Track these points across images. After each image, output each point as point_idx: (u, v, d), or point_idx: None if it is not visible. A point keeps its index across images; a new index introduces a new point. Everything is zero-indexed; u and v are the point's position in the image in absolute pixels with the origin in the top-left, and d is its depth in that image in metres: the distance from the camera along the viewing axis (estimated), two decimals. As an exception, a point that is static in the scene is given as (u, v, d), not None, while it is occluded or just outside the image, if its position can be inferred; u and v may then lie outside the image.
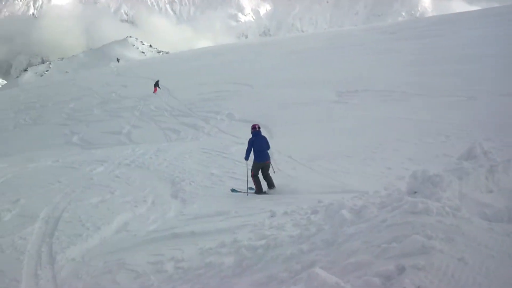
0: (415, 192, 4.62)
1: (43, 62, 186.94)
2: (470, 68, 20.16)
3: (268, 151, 9.91)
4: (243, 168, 10.25)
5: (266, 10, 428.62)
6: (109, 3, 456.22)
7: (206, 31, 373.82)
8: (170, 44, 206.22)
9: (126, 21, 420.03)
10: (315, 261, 3.93)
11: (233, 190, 9.64)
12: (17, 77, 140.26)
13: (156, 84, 30.94)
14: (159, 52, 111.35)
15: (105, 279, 5.81)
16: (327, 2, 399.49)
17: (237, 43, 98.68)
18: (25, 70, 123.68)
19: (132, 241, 6.98)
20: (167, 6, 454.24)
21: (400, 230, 3.56)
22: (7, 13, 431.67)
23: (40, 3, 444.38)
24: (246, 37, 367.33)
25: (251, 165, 9.79)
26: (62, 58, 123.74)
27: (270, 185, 9.62)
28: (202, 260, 5.45)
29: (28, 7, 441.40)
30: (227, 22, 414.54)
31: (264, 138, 10.06)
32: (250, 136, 9.99)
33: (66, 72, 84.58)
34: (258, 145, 9.78)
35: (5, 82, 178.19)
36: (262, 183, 9.65)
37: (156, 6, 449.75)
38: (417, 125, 13.24)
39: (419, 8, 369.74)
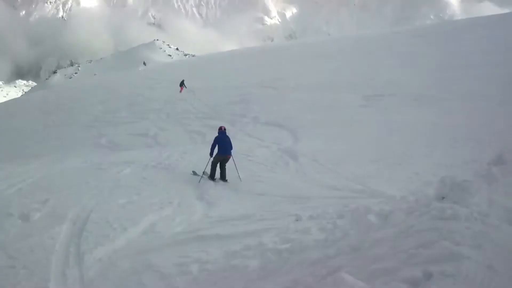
0: (443, 198, 4.55)
1: (72, 64, 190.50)
2: (501, 72, 19.77)
3: (232, 150, 11.60)
4: (268, 171, 10.39)
5: (292, 13, 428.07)
6: (137, 6, 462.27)
7: (232, 34, 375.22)
8: (197, 47, 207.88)
9: (154, 24, 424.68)
10: (341, 266, 3.90)
11: (193, 173, 11.68)
12: (46, 79, 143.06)
13: (182, 84, 32.05)
14: (185, 55, 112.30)
15: (131, 279, 5.87)
16: (354, 4, 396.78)
17: (263, 46, 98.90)
18: (54, 72, 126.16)
19: (158, 242, 7.03)
20: (194, 9, 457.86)
21: (427, 236, 3.51)
22: (37, 16, 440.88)
23: (70, 6, 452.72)
24: (272, 40, 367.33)
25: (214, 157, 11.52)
26: (91, 60, 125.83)
27: (223, 176, 11.34)
28: (227, 262, 5.47)
29: (58, 10, 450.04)
30: (253, 25, 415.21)
31: (228, 137, 11.86)
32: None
33: (94, 74, 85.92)
34: (222, 142, 11.62)
35: (34, 84, 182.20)
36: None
37: (183, 10, 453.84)
38: (446, 130, 13.04)
39: (447, 11, 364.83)
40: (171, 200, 9.35)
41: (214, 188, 10.09)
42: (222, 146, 11.56)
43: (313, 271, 4.12)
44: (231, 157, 11.51)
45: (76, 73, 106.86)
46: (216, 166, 11.46)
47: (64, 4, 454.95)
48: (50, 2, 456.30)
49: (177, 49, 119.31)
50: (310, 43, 48.71)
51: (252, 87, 26.42)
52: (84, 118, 27.67)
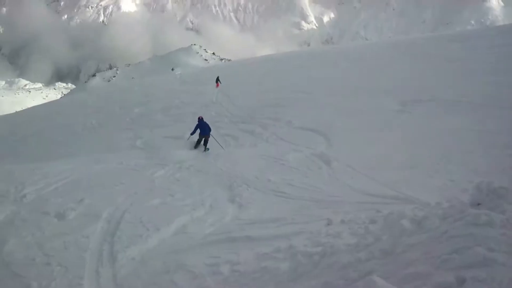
0: (479, 204, 4.44)
1: (110, 68, 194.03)
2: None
3: (210, 132, 16.88)
4: (300, 175, 10.45)
5: (330, 18, 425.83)
6: (175, 11, 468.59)
7: (269, 39, 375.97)
8: (233, 51, 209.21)
9: (191, 29, 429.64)
10: (372, 270, 3.86)
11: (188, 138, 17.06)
12: (85, 82, 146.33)
13: (217, 80, 34.59)
14: (221, 59, 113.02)
15: (163, 279, 5.94)
16: (393, 10, 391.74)
17: (299, 50, 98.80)
18: (93, 75, 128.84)
19: (190, 243, 7.10)
20: (231, 14, 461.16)
21: (461, 241, 3.43)
22: (78, 21, 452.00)
23: (110, 11, 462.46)
24: (309, 45, 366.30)
25: (198, 136, 16.94)
26: (129, 64, 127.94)
27: (206, 147, 16.54)
28: (258, 264, 5.47)
29: (99, 15, 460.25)
30: (290, 30, 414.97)
31: (206, 123, 17.00)
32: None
33: (132, 78, 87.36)
34: (202, 127, 16.84)
35: (74, 86, 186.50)
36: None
37: (220, 15, 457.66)
38: (484, 137, 12.71)
39: (489, 16, 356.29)
40: (203, 202, 9.42)
41: (247, 191, 10.11)
42: (202, 129, 16.83)
43: (344, 275, 4.08)
44: (211, 135, 16.93)
45: (114, 76, 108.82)
46: (200, 142, 16.98)
47: (105, 9, 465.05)
48: (92, 7, 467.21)
49: (213, 53, 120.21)
50: (346, 47, 48.41)
51: (286, 91, 26.38)
52: (121, 121, 28.14)
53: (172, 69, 68.86)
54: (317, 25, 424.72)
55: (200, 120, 17.21)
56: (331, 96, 23.12)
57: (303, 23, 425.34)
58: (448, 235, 3.77)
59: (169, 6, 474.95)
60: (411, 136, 14.56)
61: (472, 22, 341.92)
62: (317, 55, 44.80)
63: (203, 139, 16.85)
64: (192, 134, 17.01)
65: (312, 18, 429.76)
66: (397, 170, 10.80)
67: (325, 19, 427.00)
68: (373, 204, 8.14)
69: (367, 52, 36.78)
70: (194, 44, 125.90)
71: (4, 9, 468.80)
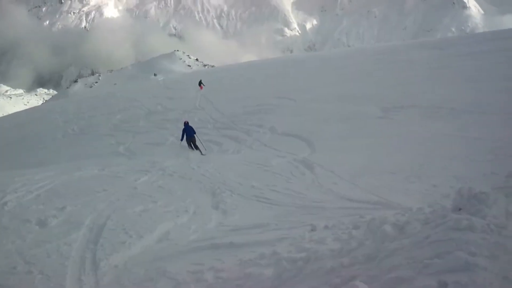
0: (460, 209, 4.50)
1: (93, 73, 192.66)
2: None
3: (195, 134, 18.37)
4: (284, 181, 10.56)
5: (312, 25, 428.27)
6: (158, 17, 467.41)
7: (252, 45, 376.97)
8: (216, 58, 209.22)
9: (174, 35, 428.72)
10: (355, 275, 3.88)
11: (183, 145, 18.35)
12: (67, 88, 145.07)
13: (200, 83, 36.92)
14: (204, 65, 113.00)
15: (146, 286, 5.90)
16: (375, 17, 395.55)
17: (281, 57, 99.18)
18: (75, 81, 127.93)
19: (173, 250, 7.06)
20: (215, 20, 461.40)
21: (443, 246, 3.47)
22: (60, 26, 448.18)
23: (92, 16, 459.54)
24: (291, 51, 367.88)
25: (185, 140, 18.49)
26: (111, 70, 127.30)
27: (199, 151, 17.87)
28: (242, 270, 5.46)
29: (81, 20, 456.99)
30: (273, 37, 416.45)
31: (191, 127, 18.65)
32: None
33: (115, 84, 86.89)
34: (188, 131, 18.42)
35: (55, 92, 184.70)
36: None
37: (204, 21, 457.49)
38: (465, 143, 12.88)
39: (469, 24, 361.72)
40: (187, 209, 9.38)
41: (231, 197, 10.10)
42: (188, 132, 18.42)
43: (328, 280, 4.10)
44: (196, 137, 18.40)
45: (96, 82, 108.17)
46: (190, 144, 18.34)
47: (87, 15, 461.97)
48: (74, 13, 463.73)
49: (196, 59, 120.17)
50: (329, 54, 48.79)
51: (269, 97, 26.47)
52: (103, 127, 27.99)
53: (155, 74, 68.64)
54: (300, 32, 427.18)
55: (186, 124, 18.80)
56: (314, 102, 23.25)
57: (286, 29, 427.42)
58: (430, 240, 3.81)
59: (152, 12, 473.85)
60: (393, 142, 14.68)
61: (453, 29, 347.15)
62: (300, 62, 45.05)
63: (191, 142, 18.45)
64: (182, 140, 18.62)
65: (295, 25, 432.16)
66: (379, 175, 10.88)
67: (308, 26, 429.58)
68: (356, 210, 8.19)
69: (350, 59, 37.16)
70: (177, 50, 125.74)
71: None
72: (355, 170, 11.60)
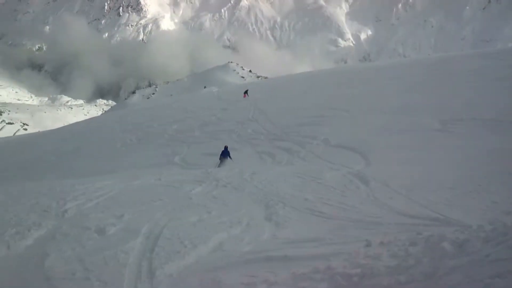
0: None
1: (149, 85, 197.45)
2: None
3: (229, 156, 20.31)
4: (338, 194, 10.46)
5: (367, 35, 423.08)
6: (213, 29, 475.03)
7: (305, 56, 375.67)
8: (269, 69, 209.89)
9: (228, 47, 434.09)
10: (413, 294, 3.79)
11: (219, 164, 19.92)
12: (125, 99, 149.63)
13: (246, 92, 39.10)
14: (258, 77, 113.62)
15: (201, 296, 5.96)
16: (432, 27, 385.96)
17: (335, 68, 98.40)
18: (133, 92, 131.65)
19: (226, 261, 7.10)
20: (268, 32, 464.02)
21: (504, 265, 3.35)
22: (119, 39, 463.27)
23: (150, 29, 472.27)
24: (345, 62, 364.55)
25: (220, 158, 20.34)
26: (168, 81, 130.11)
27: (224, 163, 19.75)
28: (295, 284, 5.43)
29: (138, 33, 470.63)
30: (327, 47, 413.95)
31: (227, 151, 20.46)
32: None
33: (171, 95, 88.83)
34: (223, 153, 20.20)
35: (114, 103, 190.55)
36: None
37: (257, 32, 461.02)
38: (528, 157, 12.36)
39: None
40: (240, 220, 9.42)
41: (283, 210, 10.07)
42: (223, 154, 20.31)
43: (383, 298, 4.02)
44: (229, 157, 20.28)
45: (153, 93, 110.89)
46: (222, 162, 20.00)
47: (144, 28, 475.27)
48: (132, 26, 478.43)
49: (250, 71, 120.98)
50: (384, 65, 48.06)
51: (323, 109, 26.33)
52: (159, 137, 28.62)
53: (205, 87, 69.49)
54: (354, 42, 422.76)
55: (226, 148, 20.82)
56: (369, 114, 22.93)
57: (339, 40, 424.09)
58: (491, 258, 3.69)
59: (207, 24, 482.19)
60: (451, 156, 14.28)
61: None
62: (354, 73, 44.60)
63: (222, 161, 20.48)
64: (220, 158, 20.53)
65: (349, 35, 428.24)
66: (437, 191, 10.58)
67: (362, 36, 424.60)
68: (413, 226, 7.99)
69: (406, 69, 36.42)
70: (231, 62, 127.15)
71: (48, 27, 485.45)
72: (412, 184, 11.34)
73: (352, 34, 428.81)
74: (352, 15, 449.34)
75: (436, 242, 5.31)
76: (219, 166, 19.70)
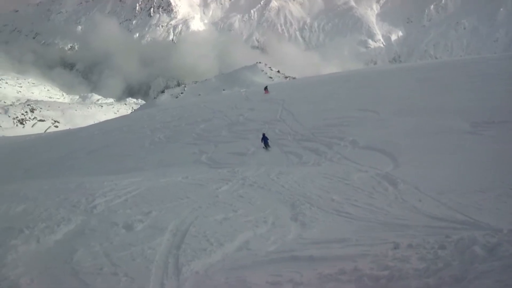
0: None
1: (178, 85, 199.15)
2: None
3: (267, 143, 22.09)
4: (365, 196, 10.39)
5: (398, 36, 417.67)
6: (242, 30, 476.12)
7: (334, 57, 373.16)
8: (298, 69, 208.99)
9: (257, 47, 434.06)
10: (442, 297, 3.70)
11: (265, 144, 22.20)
12: (154, 98, 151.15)
13: (266, 88, 42.70)
14: (286, 77, 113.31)
15: (226, 294, 5.96)
16: (464, 28, 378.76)
17: (365, 68, 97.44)
18: (162, 92, 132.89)
19: (252, 259, 7.09)
20: (297, 33, 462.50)
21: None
22: (149, 39, 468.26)
23: (180, 29, 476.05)
24: (375, 63, 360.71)
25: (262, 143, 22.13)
26: (196, 81, 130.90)
27: (267, 148, 21.79)
28: (321, 285, 5.38)
29: (169, 34, 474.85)
30: (356, 48, 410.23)
31: (266, 137, 22.26)
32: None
33: (199, 94, 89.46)
34: (264, 139, 21.98)
35: (143, 102, 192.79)
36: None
37: (286, 33, 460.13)
38: None
39: None
40: (266, 219, 9.41)
41: (310, 210, 10.02)
42: (264, 139, 22.00)
43: (411, 301, 3.94)
44: (267, 144, 21.98)
45: (182, 93, 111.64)
46: (264, 146, 21.86)
47: (174, 28, 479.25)
48: (162, 26, 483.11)
49: (278, 71, 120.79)
50: (415, 66, 47.38)
51: (351, 110, 26.09)
52: (187, 136, 28.80)
53: (224, 90, 69.37)
54: (384, 43, 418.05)
55: (264, 135, 22.54)
56: (398, 115, 22.62)
57: (369, 41, 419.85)
58: (524, 264, 3.58)
59: (236, 25, 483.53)
60: (482, 159, 13.99)
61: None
62: (384, 74, 44.09)
63: (265, 144, 22.38)
64: (261, 142, 22.38)
65: (379, 37, 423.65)
66: (467, 194, 10.38)
67: (393, 37, 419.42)
68: (442, 229, 7.86)
69: (437, 71, 35.82)
70: (259, 62, 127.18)
71: (80, 27, 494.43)
72: (442, 187, 11.15)
73: (383, 35, 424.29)
74: (383, 16, 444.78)
75: (466, 245, 5.20)
76: (264, 147, 22.14)
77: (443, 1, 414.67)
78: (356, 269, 5.51)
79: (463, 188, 10.85)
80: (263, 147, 22.18)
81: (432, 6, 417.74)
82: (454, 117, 20.08)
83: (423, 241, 6.53)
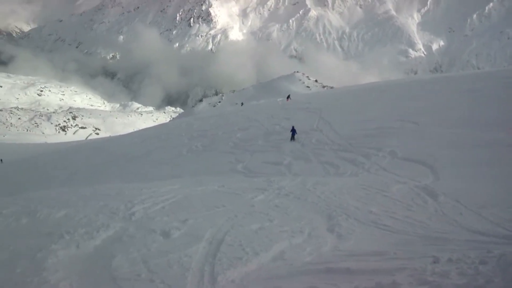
0: None
1: (216, 94, 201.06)
2: None
3: (296, 134, 26.54)
4: (404, 208, 10.21)
5: (439, 46, 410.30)
6: (280, 39, 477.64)
7: (373, 66, 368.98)
8: (336, 79, 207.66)
9: (295, 57, 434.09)
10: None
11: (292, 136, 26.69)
12: (192, 106, 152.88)
13: (288, 97, 50.16)
14: (323, 87, 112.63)
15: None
16: (508, 38, 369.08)
17: (405, 78, 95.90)
18: (200, 100, 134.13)
19: (288, 270, 7.04)
20: (336, 42, 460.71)
21: None
22: (188, 49, 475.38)
23: (218, 39, 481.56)
24: (415, 73, 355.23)
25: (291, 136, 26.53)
26: (234, 90, 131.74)
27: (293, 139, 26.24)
28: (357, 298, 5.29)
29: (207, 43, 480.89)
30: (396, 58, 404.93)
31: (295, 130, 26.62)
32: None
33: (236, 103, 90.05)
34: (293, 131, 26.46)
35: (182, 111, 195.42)
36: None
37: (324, 43, 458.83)
38: None
39: None
40: (302, 230, 9.34)
41: (347, 221, 9.89)
42: (292, 132, 26.47)
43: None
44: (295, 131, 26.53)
45: (219, 102, 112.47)
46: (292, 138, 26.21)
47: (213, 38, 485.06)
48: (201, 36, 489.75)
49: (316, 81, 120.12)
50: (457, 76, 46.36)
51: (390, 120, 25.73)
52: (224, 145, 29.00)
53: (242, 104, 69.44)
54: (425, 53, 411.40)
55: (293, 128, 26.98)
56: (438, 126, 22.15)
57: (410, 50, 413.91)
58: None
59: (275, 34, 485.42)
60: (526, 172, 13.55)
61: None
62: (424, 83, 43.33)
63: (292, 137, 26.61)
64: (291, 132, 26.99)
65: (420, 46, 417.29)
66: (510, 208, 10.06)
67: (434, 46, 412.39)
68: (483, 244, 7.63)
69: (479, 82, 34.94)
70: (297, 71, 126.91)
71: (121, 37, 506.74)
72: (483, 200, 10.83)
73: (424, 45, 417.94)
74: (424, 25, 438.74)
75: (508, 261, 5.03)
76: (291, 140, 26.23)
77: (486, 10, 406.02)
78: (394, 283, 5.40)
79: (505, 202, 10.51)
80: (290, 140, 26.12)
81: (475, 16, 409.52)
82: (496, 129, 19.53)
83: (463, 255, 6.36)
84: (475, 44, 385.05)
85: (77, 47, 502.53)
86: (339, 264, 6.96)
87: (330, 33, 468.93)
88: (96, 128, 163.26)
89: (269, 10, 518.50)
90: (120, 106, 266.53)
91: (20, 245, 8.85)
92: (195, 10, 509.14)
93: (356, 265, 6.78)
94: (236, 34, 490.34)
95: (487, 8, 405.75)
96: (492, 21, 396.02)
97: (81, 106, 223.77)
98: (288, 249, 8.19)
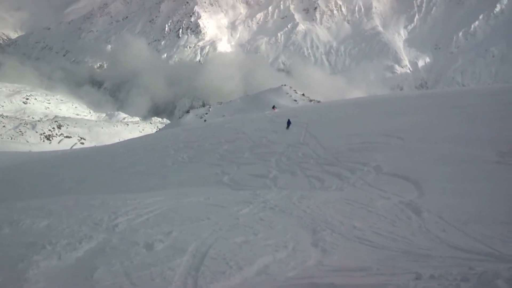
0: None
1: (203, 105, 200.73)
2: None
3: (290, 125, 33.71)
4: (388, 224, 10.24)
5: (425, 63, 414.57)
6: (268, 53, 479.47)
7: (360, 81, 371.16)
8: (322, 93, 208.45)
9: (283, 70, 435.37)
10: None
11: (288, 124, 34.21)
12: (179, 117, 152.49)
13: (273, 107, 53.59)
14: (310, 100, 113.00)
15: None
16: (493, 56, 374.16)
17: (391, 94, 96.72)
18: (187, 112, 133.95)
19: (271, 285, 7.04)
20: (323, 56, 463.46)
21: None
22: (176, 59, 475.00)
23: (207, 51, 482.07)
24: (401, 88, 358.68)
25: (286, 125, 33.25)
26: (221, 102, 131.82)
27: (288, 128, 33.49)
28: (340, 314, 5.30)
29: (196, 54, 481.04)
30: (382, 73, 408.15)
31: (290, 122, 34.53)
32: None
33: (223, 115, 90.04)
34: (288, 122, 34.20)
35: (168, 121, 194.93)
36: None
37: (312, 57, 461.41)
38: None
39: None
40: (286, 244, 9.35)
41: (331, 236, 9.92)
42: (288, 123, 33.60)
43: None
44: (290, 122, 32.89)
45: (206, 113, 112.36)
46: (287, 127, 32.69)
47: (202, 49, 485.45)
48: (190, 47, 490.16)
49: (303, 94, 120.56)
50: (442, 93, 46.91)
51: (376, 135, 25.90)
52: (210, 157, 28.96)
53: (205, 120, 70.20)
54: (411, 69, 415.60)
55: (288, 120, 33.72)
56: (423, 142, 22.35)
57: (396, 66, 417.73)
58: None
59: (263, 47, 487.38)
60: (509, 189, 13.70)
61: None
62: (410, 100, 43.81)
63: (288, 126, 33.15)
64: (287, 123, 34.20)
65: (406, 62, 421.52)
66: (493, 225, 10.16)
67: (420, 63, 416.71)
68: (465, 260, 7.69)
69: (464, 99, 35.44)
70: (284, 85, 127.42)
71: (109, 46, 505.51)
72: (467, 217, 10.94)
73: (410, 61, 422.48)
74: (410, 42, 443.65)
75: (489, 279, 5.08)
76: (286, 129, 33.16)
77: (472, 28, 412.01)
78: (377, 300, 5.42)
79: (488, 219, 10.62)
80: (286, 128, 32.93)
81: (460, 33, 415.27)
82: (480, 146, 19.76)
83: (445, 272, 6.41)
84: (460, 62, 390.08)
85: (64, 56, 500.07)
86: (323, 279, 6.97)
87: (317, 48, 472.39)
88: (81, 138, 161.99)
89: (257, 23, 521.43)
90: (106, 116, 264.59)
91: (1, 255, 8.74)
92: (184, 21, 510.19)
93: (340, 280, 6.80)
94: (225, 46, 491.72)
95: (472, 26, 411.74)
96: (477, 39, 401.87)
97: (66, 115, 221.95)
98: (272, 264, 8.19)
